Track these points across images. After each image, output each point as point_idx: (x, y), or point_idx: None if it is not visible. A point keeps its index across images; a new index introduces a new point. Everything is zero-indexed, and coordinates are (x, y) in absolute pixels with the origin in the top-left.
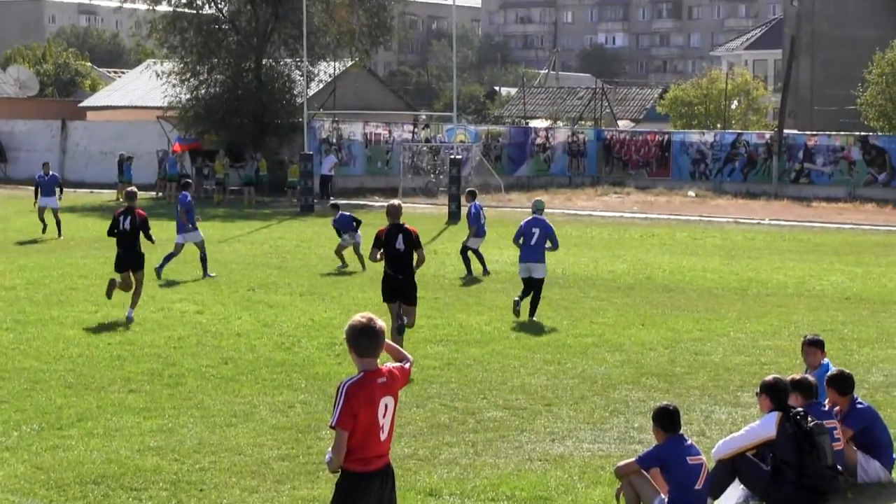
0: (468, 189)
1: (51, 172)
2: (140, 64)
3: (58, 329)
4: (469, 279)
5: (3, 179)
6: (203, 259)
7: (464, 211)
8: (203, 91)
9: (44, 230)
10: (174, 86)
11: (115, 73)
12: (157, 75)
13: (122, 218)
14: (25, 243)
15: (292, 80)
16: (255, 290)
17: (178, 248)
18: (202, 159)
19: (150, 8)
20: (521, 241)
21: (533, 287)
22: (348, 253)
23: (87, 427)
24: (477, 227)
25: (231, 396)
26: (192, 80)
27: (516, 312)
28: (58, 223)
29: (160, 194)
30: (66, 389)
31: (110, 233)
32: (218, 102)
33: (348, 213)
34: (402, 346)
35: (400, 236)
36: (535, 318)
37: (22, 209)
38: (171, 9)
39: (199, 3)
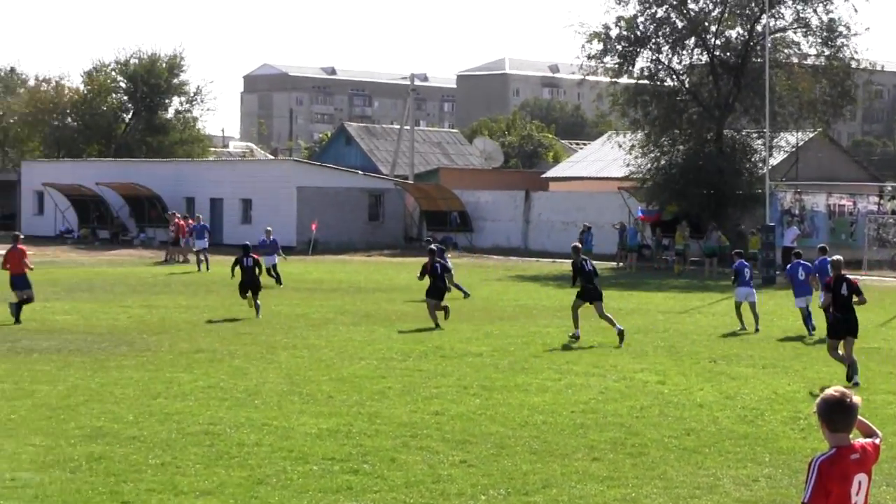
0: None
1: (272, 237)
2: (601, 136)
3: (522, 396)
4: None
5: (468, 248)
6: (755, 317)
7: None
8: (664, 162)
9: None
10: (636, 157)
11: (577, 144)
12: (619, 146)
13: (585, 263)
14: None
15: (753, 151)
16: (717, 361)
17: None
18: (660, 230)
19: (612, 81)
20: None
21: None
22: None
23: (552, 494)
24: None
25: (694, 468)
26: (654, 151)
27: None
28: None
29: (620, 264)
30: (531, 455)
31: (574, 279)
32: (678, 173)
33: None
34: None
35: (844, 284)
36: None
37: (487, 278)
38: (632, 81)
39: (661, 75)
